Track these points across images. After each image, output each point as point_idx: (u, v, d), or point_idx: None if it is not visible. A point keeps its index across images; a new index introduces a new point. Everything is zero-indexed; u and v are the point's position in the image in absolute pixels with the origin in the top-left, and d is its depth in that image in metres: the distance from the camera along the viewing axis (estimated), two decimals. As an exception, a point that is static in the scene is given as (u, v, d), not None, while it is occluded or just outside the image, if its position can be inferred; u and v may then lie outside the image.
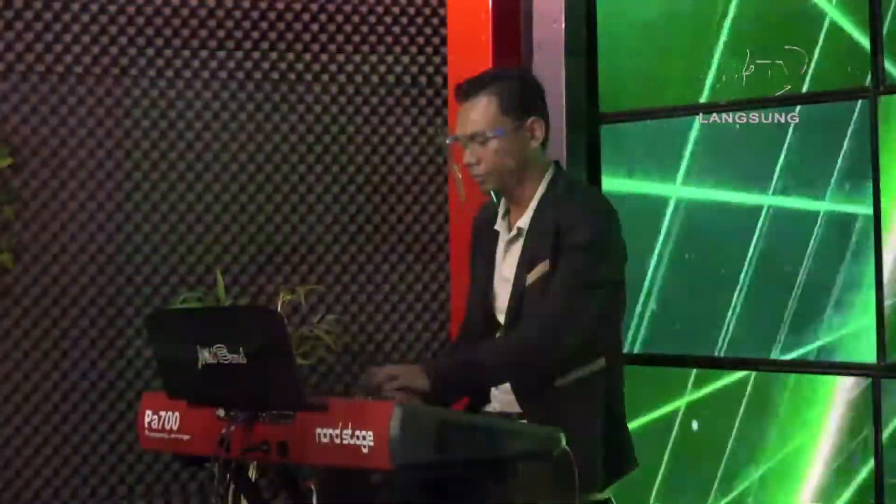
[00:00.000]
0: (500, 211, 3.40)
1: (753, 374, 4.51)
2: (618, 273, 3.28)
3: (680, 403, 4.69)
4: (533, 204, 3.32)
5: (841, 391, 4.33)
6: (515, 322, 3.27)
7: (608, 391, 3.25)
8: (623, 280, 3.32)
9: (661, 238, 4.72)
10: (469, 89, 3.32)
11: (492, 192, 3.38)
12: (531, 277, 3.25)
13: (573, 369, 3.21)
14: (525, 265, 3.28)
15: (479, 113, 3.29)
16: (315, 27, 5.22)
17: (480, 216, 3.49)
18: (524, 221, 3.32)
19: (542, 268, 3.24)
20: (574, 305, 3.18)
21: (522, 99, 3.31)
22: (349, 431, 2.74)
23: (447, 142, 3.48)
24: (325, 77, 5.24)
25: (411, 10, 5.33)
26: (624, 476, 3.30)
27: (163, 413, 3.12)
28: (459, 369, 3.18)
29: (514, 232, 3.33)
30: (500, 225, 3.39)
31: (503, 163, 3.29)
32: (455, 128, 3.35)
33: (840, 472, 4.34)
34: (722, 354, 4.58)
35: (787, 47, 4.45)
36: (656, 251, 4.72)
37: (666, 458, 4.69)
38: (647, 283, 4.72)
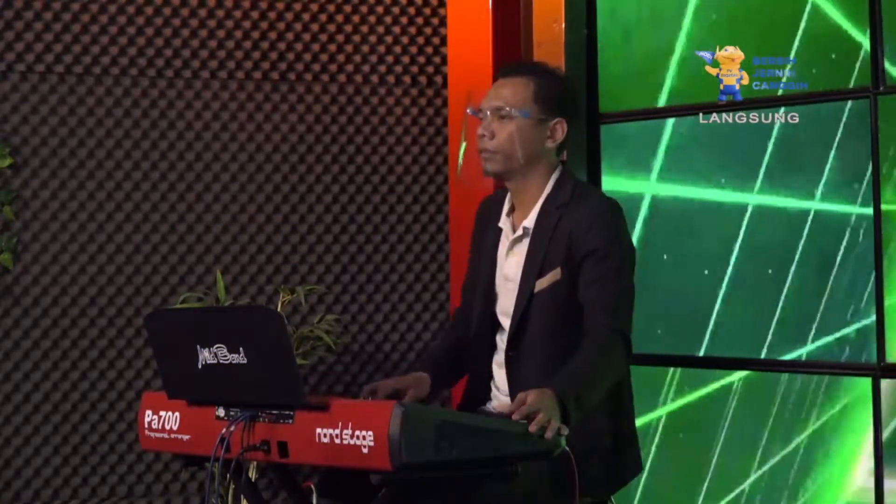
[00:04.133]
0: (506, 208, 3.37)
1: (753, 374, 4.52)
2: (633, 269, 3.28)
3: (674, 405, 4.69)
4: (538, 204, 3.29)
5: (841, 391, 4.34)
6: (523, 325, 3.25)
7: (616, 395, 3.24)
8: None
9: (660, 238, 4.72)
10: (511, 69, 3.31)
11: (494, 177, 3.35)
12: (541, 284, 3.23)
13: None
14: (533, 270, 3.25)
15: (511, 90, 3.26)
16: (315, 27, 5.23)
17: (484, 208, 3.46)
18: (530, 221, 3.29)
19: (553, 276, 3.22)
20: (620, 312, 3.17)
21: (558, 96, 3.29)
22: (349, 431, 2.74)
23: (468, 112, 3.43)
24: (325, 77, 5.24)
25: (411, 10, 5.34)
26: (629, 482, 3.30)
27: (163, 413, 3.12)
28: (579, 378, 3.07)
29: (519, 232, 3.31)
30: (503, 222, 3.36)
31: (514, 146, 3.25)
32: (482, 101, 3.31)
33: (839, 472, 4.34)
34: (718, 354, 4.59)
35: (786, 47, 4.45)
36: (654, 251, 4.72)
37: (651, 458, 4.69)
38: (645, 283, 4.72)
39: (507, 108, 3.24)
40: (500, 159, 3.27)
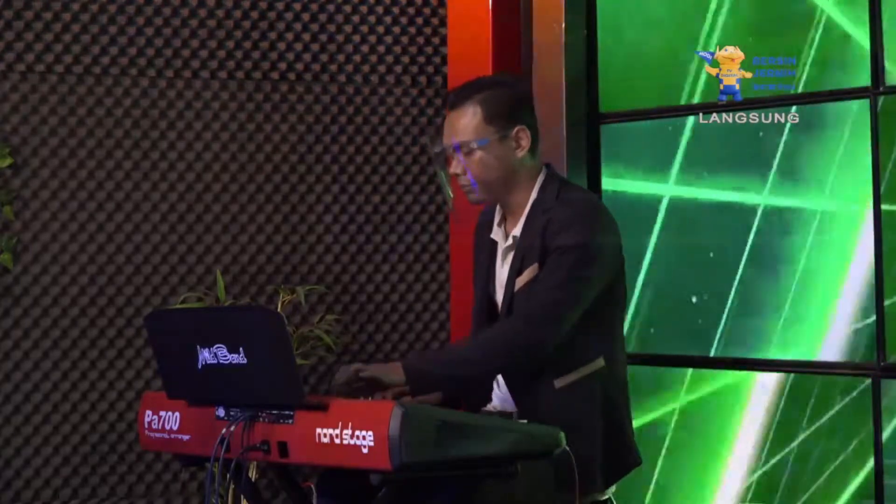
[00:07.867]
0: (497, 218, 3.39)
1: (753, 374, 4.52)
2: (608, 274, 3.25)
3: (676, 405, 4.69)
4: (525, 211, 3.31)
5: (842, 391, 4.34)
6: None
7: (608, 392, 3.24)
8: (620, 281, 3.30)
9: (658, 238, 4.72)
10: (456, 98, 3.30)
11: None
12: (520, 282, 3.25)
13: (571, 370, 3.20)
14: (515, 271, 3.27)
15: (464, 122, 3.26)
16: (315, 27, 5.23)
17: (481, 220, 3.49)
18: (518, 230, 3.31)
19: (530, 272, 3.23)
20: (553, 302, 3.15)
21: (508, 107, 3.27)
22: (349, 431, 2.74)
23: (435, 151, 3.46)
24: (326, 77, 5.24)
25: (411, 10, 5.33)
26: (625, 475, 3.30)
27: (163, 413, 3.13)
28: (439, 362, 3.19)
29: (509, 241, 3.33)
30: (496, 233, 3.38)
31: (489, 172, 3.26)
32: (443, 138, 3.33)
33: (839, 472, 4.34)
34: (718, 354, 4.59)
35: (786, 47, 4.45)
36: (653, 251, 4.72)
37: (662, 458, 4.69)
38: (643, 283, 4.73)
39: (466, 143, 3.25)
40: (481, 188, 3.29)
